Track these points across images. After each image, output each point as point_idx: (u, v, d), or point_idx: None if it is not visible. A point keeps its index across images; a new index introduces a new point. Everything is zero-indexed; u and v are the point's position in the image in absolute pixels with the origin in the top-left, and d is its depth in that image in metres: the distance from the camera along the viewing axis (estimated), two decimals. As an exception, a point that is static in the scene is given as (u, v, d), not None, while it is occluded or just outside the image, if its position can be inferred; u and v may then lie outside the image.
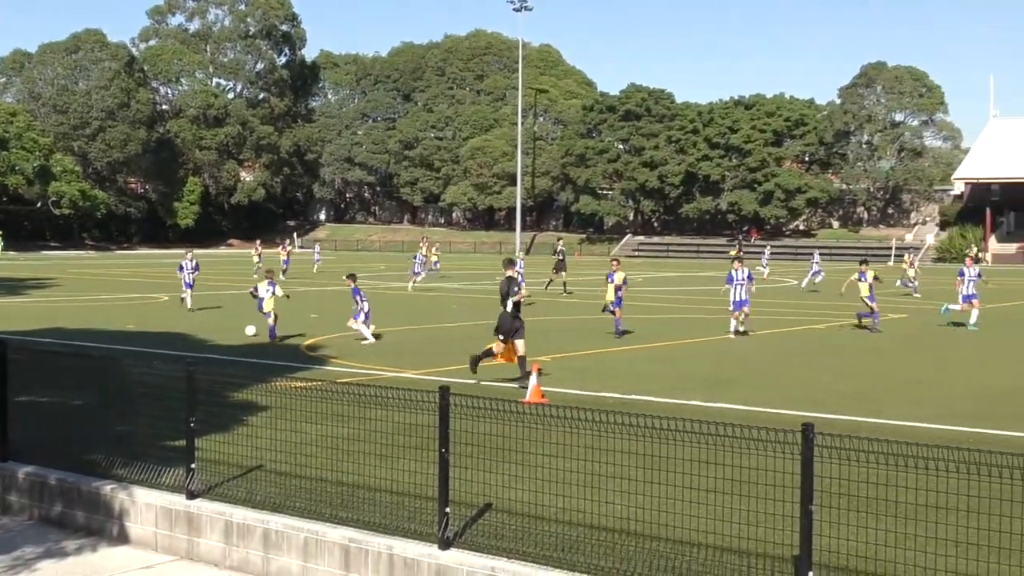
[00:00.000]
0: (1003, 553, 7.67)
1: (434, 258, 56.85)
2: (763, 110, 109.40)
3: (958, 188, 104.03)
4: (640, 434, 8.34)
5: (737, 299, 28.15)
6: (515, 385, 17.99)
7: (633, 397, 17.15)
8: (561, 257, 48.06)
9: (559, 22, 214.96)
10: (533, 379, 16.49)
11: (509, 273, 19.71)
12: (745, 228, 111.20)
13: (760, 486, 8.75)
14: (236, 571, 10.29)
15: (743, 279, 28.32)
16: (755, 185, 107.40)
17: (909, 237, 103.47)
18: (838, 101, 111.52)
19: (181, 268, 37.12)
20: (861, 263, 31.91)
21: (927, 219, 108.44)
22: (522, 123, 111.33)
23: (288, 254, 58.99)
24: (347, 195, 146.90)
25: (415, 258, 50.33)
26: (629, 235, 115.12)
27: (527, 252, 73.60)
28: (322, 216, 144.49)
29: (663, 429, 8.22)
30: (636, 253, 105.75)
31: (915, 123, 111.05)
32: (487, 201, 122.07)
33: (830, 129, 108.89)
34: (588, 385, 18.64)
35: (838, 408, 16.45)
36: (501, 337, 18.92)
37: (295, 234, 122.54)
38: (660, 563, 8.40)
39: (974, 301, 31.12)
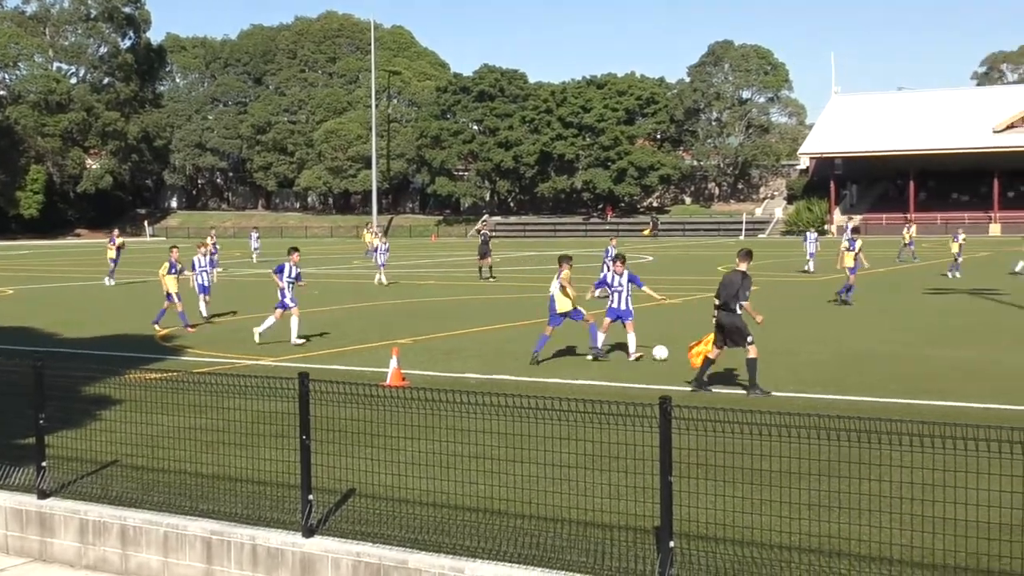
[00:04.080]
0: (853, 513, 7.95)
1: (376, 242, 51.39)
2: (615, 89, 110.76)
3: (803, 163, 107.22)
4: (502, 413, 8.37)
5: (616, 306, 19.85)
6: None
7: (495, 377, 17.22)
8: (483, 240, 44.46)
9: (411, 4, 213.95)
10: (393, 362, 16.42)
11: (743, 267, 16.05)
12: (600, 206, 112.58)
13: (621, 460, 8.89)
14: (93, 570, 10.02)
15: (620, 285, 19.86)
16: (609, 163, 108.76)
17: (758, 211, 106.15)
18: (687, 79, 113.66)
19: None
20: (853, 231, 31.68)
21: (775, 193, 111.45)
22: (376, 105, 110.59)
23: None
24: (199, 181, 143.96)
25: (372, 251, 46.56)
26: (486, 215, 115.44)
27: (385, 234, 72.88)
28: (174, 203, 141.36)
29: (524, 407, 8.27)
30: (493, 233, 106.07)
31: (762, 100, 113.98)
32: (342, 185, 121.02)
33: (680, 107, 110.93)
34: (450, 366, 18.64)
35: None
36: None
37: (146, 222, 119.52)
38: (525, 540, 8.45)
39: None
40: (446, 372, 17.85)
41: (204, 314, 26.92)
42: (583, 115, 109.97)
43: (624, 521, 8.60)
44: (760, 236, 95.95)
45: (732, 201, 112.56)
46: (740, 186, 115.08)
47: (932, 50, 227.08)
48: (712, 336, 15.87)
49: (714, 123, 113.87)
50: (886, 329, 24.15)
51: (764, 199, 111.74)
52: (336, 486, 9.51)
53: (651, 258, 59.51)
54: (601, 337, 19.65)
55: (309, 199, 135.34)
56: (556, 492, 8.74)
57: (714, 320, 15.98)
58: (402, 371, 16.44)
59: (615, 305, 19.79)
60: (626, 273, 19.78)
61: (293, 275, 22.66)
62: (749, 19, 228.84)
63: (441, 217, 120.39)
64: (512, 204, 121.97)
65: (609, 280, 20.14)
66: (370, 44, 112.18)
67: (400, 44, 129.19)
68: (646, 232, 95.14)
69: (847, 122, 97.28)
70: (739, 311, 15.64)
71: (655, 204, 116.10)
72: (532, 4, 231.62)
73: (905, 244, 52.36)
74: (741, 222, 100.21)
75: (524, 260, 59.48)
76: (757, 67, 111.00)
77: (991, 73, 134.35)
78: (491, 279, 41.95)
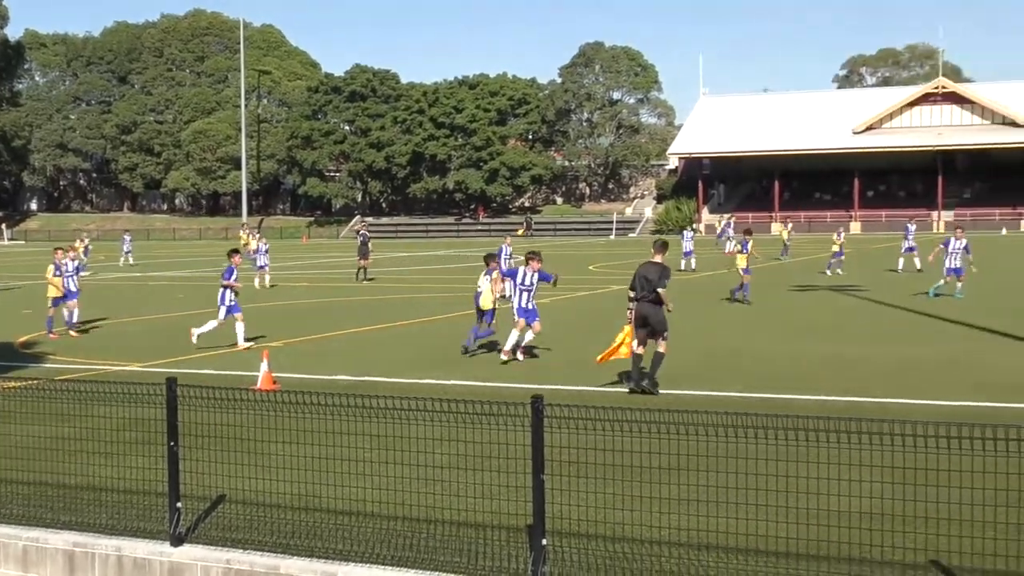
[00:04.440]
0: (721, 506, 8.09)
1: (255, 243, 48.83)
2: (487, 90, 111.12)
3: (672, 163, 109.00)
4: (373, 415, 8.33)
5: (523, 307, 19.46)
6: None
7: (366, 378, 17.10)
8: (362, 241, 43.51)
9: (281, 2, 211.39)
10: (264, 365, 16.19)
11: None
12: (473, 206, 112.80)
13: (494, 460, 8.90)
14: (-51, 586, 9.67)
15: (531, 284, 19.62)
16: (481, 164, 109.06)
17: (629, 211, 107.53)
18: (559, 80, 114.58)
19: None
20: (745, 232, 32.46)
21: (645, 193, 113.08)
22: (245, 105, 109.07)
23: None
24: (60, 183, 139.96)
25: (252, 254, 44.22)
26: (358, 216, 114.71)
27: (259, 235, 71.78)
28: (33, 205, 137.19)
29: (396, 409, 8.23)
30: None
31: (632, 101, 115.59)
32: (211, 186, 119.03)
33: (552, 108, 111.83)
34: (321, 368, 18.46)
35: (566, 379, 16.92)
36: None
37: (3, 225, 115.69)
38: (398, 542, 8.42)
39: (960, 275, 30.33)
40: (318, 374, 17.67)
41: (72, 320, 26.17)
42: (455, 116, 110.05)
43: (497, 520, 8.62)
44: (631, 235, 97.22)
45: (603, 201, 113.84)
46: (611, 186, 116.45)
47: (796, 53, 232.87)
48: (629, 330, 15.50)
49: (585, 124, 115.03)
50: (756, 326, 24.67)
51: (634, 199, 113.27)
52: (206, 493, 9.34)
53: (521, 258, 59.73)
54: (516, 336, 19.26)
55: (177, 201, 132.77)
56: (429, 493, 8.72)
57: (630, 314, 15.66)
58: (273, 374, 16.22)
59: (524, 305, 19.39)
60: (539, 272, 19.64)
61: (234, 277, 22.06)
62: (619, 21, 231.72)
63: (312, 218, 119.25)
64: (384, 205, 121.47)
65: (520, 278, 19.68)
66: (239, 43, 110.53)
67: (270, 43, 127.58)
68: (520, 232, 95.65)
69: (715, 123, 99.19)
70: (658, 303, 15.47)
71: (527, 204, 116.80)
72: (404, 4, 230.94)
73: (785, 243, 53.59)
74: (612, 222, 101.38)
75: (398, 261, 59.23)
76: (627, 68, 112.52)
77: (851, 76, 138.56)
78: (366, 280, 41.58)
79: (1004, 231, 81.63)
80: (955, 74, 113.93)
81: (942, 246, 31.18)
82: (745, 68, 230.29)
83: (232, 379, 16.47)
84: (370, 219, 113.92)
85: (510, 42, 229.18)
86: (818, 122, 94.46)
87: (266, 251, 40.99)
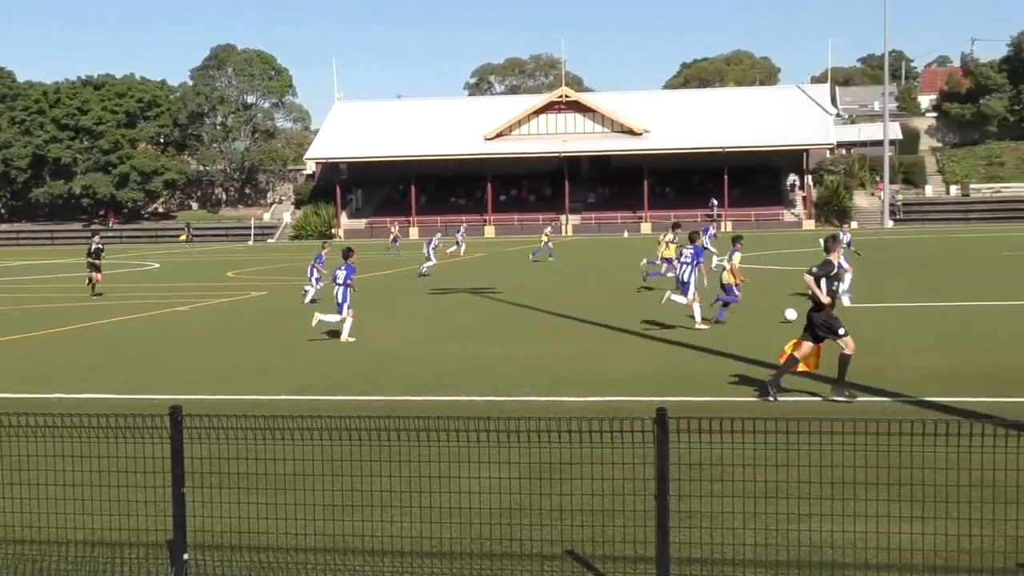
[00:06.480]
0: (367, 510, 8.14)
1: None
2: (114, 91, 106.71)
3: (310, 168, 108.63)
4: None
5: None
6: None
7: (-13, 396, 16.00)
8: (94, 254, 37.23)
9: None
10: None
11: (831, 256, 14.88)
12: (102, 212, 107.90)
13: (132, 474, 8.56)
14: None
15: (345, 279, 22.75)
16: (110, 168, 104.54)
17: (267, 216, 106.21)
18: (191, 83, 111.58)
19: None
20: (686, 231, 31.48)
21: (283, 198, 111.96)
22: None
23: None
24: None
25: None
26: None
27: None
28: None
29: (14, 426, 7.74)
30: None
31: (267, 105, 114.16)
32: None
33: (184, 111, 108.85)
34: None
35: (211, 389, 16.48)
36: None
37: None
38: (24, 567, 7.93)
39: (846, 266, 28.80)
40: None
41: None
42: (80, 117, 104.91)
43: (136, 537, 8.29)
44: (269, 241, 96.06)
45: (240, 206, 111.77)
46: (248, 191, 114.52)
47: (429, 62, 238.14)
48: (802, 337, 14.46)
49: (219, 127, 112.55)
50: (406, 328, 24.94)
51: (272, 204, 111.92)
52: None
53: (157, 265, 57.82)
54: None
55: None
56: (60, 513, 8.27)
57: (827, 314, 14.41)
58: None
59: (340, 300, 22.22)
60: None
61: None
62: (251, 24, 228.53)
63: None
64: (3, 211, 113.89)
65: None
66: None
67: None
68: (182, 237, 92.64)
69: (351, 128, 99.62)
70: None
71: (160, 210, 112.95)
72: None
73: (544, 244, 53.29)
74: (250, 227, 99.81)
75: (17, 271, 55.71)
76: (261, 72, 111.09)
77: (481, 84, 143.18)
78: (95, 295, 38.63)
79: (626, 234, 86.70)
80: (577, 84, 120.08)
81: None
82: (379, 75, 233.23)
83: None
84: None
85: (137, 42, 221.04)
86: (452, 128, 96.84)
87: None
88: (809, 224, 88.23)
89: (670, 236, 34.47)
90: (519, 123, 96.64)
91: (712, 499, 8.70)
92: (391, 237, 64.18)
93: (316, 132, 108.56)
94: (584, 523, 8.48)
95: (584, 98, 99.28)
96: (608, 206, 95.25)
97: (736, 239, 25.80)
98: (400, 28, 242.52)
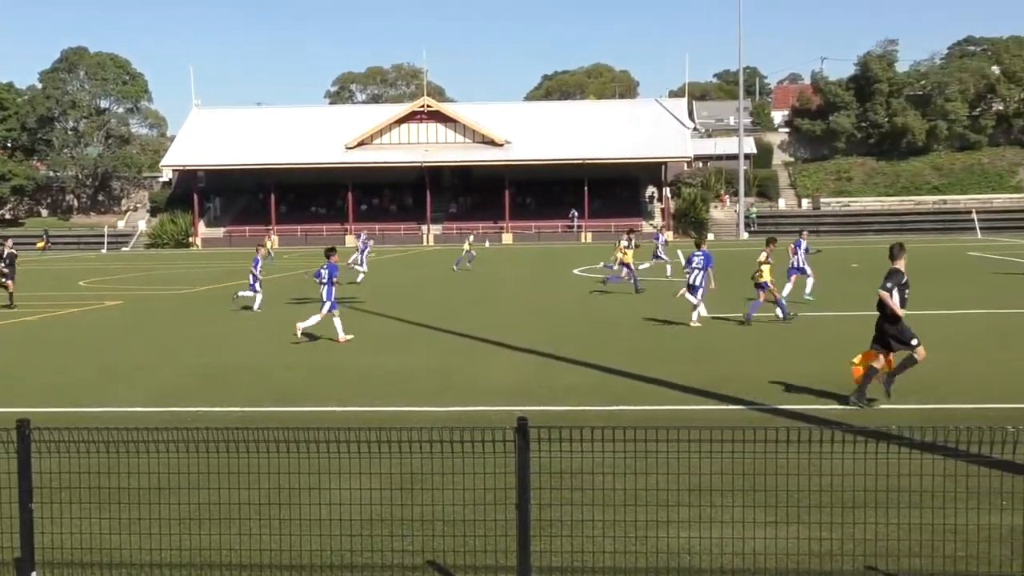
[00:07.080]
0: (224, 523, 8.00)
1: None
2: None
3: (166, 175, 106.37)
4: None
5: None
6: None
7: None
8: (6, 262, 34.08)
9: None
10: None
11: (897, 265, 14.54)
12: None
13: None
14: None
15: (330, 277, 23.66)
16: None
17: (121, 224, 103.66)
18: (40, 86, 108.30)
19: None
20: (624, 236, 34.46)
21: (138, 205, 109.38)
22: None
23: None
24: None
25: None
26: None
27: None
28: None
29: None
30: None
31: (121, 110, 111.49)
32: None
33: (33, 114, 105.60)
34: None
35: (60, 401, 15.98)
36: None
37: None
38: None
39: (808, 271, 30.88)
40: None
41: None
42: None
43: (-20, 557, 7.98)
44: (123, 249, 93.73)
45: (93, 214, 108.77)
46: (101, 198, 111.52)
47: (290, 70, 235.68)
48: (873, 349, 14.59)
49: (71, 132, 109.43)
50: (256, 340, 24.60)
51: (127, 211, 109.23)
52: None
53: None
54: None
55: None
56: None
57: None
58: None
59: (325, 298, 23.35)
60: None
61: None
62: (104, 27, 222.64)
63: None
64: None
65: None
66: None
67: None
68: (40, 245, 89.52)
69: (209, 135, 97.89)
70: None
71: (8, 216, 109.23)
72: None
73: (465, 252, 52.41)
74: (103, 235, 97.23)
75: None
76: (115, 76, 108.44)
77: (342, 92, 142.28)
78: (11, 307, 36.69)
79: (488, 243, 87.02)
80: (439, 94, 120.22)
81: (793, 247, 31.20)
82: (239, 82, 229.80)
83: None
84: None
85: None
86: (312, 137, 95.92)
87: None
88: (668, 235, 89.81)
89: (625, 242, 35.75)
90: (380, 132, 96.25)
91: (573, 507, 8.78)
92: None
93: (173, 139, 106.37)
94: (446, 533, 8.48)
95: (446, 108, 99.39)
96: (469, 216, 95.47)
97: (770, 240, 27.22)
98: (260, 35, 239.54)
